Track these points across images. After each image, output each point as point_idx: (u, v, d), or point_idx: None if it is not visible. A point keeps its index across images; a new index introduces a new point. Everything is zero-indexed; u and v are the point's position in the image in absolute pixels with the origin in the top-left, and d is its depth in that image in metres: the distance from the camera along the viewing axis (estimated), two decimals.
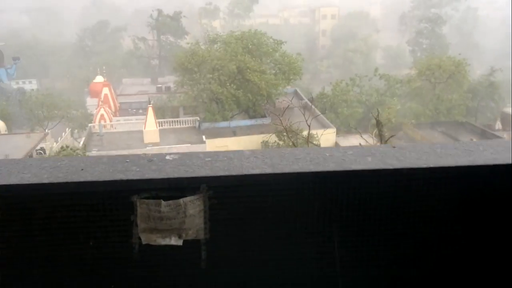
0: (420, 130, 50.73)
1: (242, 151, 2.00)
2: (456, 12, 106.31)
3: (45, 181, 1.71)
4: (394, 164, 1.83)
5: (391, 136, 36.79)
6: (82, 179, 1.72)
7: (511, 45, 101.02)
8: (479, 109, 59.66)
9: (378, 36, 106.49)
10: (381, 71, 67.58)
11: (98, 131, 47.99)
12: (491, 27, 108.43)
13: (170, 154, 1.95)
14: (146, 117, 45.07)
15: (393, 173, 1.80)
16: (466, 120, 54.83)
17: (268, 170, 1.79)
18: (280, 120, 38.13)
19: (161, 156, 1.92)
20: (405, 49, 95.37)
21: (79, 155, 31.93)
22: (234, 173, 1.78)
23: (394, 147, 2.03)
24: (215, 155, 1.93)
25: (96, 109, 53.74)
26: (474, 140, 47.96)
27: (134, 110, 61.32)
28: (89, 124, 49.50)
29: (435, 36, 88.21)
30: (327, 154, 1.93)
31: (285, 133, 41.87)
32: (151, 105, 45.87)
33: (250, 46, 54.61)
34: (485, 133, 51.03)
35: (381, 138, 35.27)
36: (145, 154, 1.96)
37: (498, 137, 49.82)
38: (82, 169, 1.80)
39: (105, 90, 55.03)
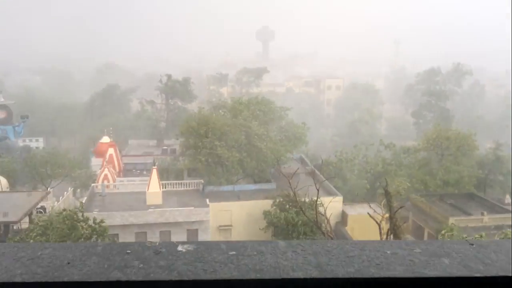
0: (429, 202, 49.66)
1: (275, 242, 1.70)
2: (459, 88, 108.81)
3: (17, 279, 1.28)
4: (481, 271, 1.38)
5: (400, 207, 36.02)
6: (66, 279, 1.31)
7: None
8: (488, 182, 58.91)
9: (382, 108, 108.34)
10: (385, 141, 67.90)
11: (101, 191, 47.26)
12: (494, 102, 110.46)
13: (183, 243, 1.69)
14: (150, 178, 44.50)
15: (480, 282, 1.34)
16: (475, 193, 53.91)
17: (314, 273, 1.39)
18: (290, 182, 37.62)
19: (171, 247, 1.64)
20: (409, 121, 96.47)
21: (77, 217, 31.10)
22: (268, 275, 1.39)
23: (472, 244, 1.68)
24: (242, 247, 1.64)
25: (100, 169, 53.38)
26: (485, 213, 46.80)
27: (139, 171, 60.97)
28: (92, 184, 48.88)
29: (439, 109, 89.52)
30: (388, 252, 1.53)
31: (288, 201, 41.11)
32: (155, 167, 45.47)
33: (258, 112, 55.30)
34: (495, 207, 49.86)
35: (390, 208, 34.39)
36: (150, 242, 1.72)
37: (508, 211, 48.66)
38: (68, 263, 1.42)
39: (111, 151, 55.02)
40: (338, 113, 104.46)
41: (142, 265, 1.46)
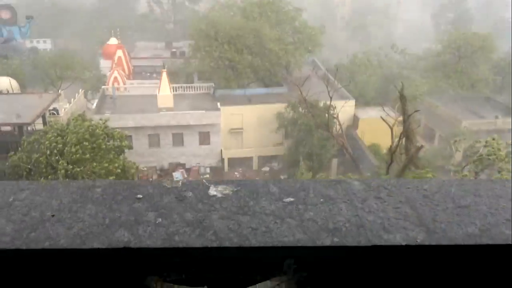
0: (443, 105, 49.01)
1: (347, 181, 1.18)
2: None
3: None
4: None
5: (416, 111, 35.56)
6: (48, 244, 0.87)
7: None
8: (504, 86, 57.53)
9: (398, 8, 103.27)
10: (400, 43, 65.46)
11: (111, 93, 47.09)
12: None
13: (216, 184, 1.10)
14: (160, 81, 43.97)
15: None
16: (491, 97, 52.92)
17: (421, 234, 0.96)
18: (300, 90, 37.05)
19: (201, 189, 1.07)
20: (427, 22, 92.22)
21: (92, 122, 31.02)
22: (351, 239, 0.93)
23: None
24: (300, 189, 1.06)
25: (109, 71, 52.74)
26: (499, 116, 46.31)
27: (148, 74, 60.18)
28: (103, 87, 48.60)
29: (460, 9, 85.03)
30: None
31: (300, 104, 40.76)
32: (165, 70, 44.68)
33: (269, 14, 52.86)
34: (510, 111, 49.14)
35: (404, 112, 33.95)
36: (170, 181, 1.15)
37: None
38: (52, 215, 0.95)
39: (119, 53, 53.85)
40: (353, 15, 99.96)
41: (160, 219, 0.99)
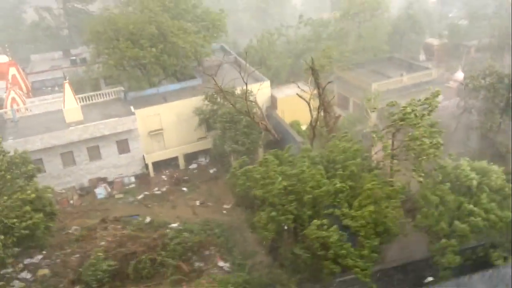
0: (351, 71, 50.51)
1: None
2: None
3: None
4: None
5: (329, 83, 36.16)
6: None
7: None
8: (403, 42, 60.57)
9: None
10: (303, 16, 66.46)
11: (11, 116, 43.21)
12: None
13: None
14: (64, 94, 40.94)
15: None
16: (392, 55, 55.37)
17: None
18: (214, 80, 36.20)
19: None
20: None
21: None
22: None
23: None
24: None
25: (5, 92, 48.30)
26: (404, 73, 48.61)
27: (50, 88, 56.05)
28: (0, 111, 44.40)
29: None
30: None
31: (217, 94, 39.97)
32: (67, 81, 41.66)
33: (168, 4, 50.88)
34: (412, 66, 51.87)
35: (318, 86, 34.43)
36: None
37: (424, 68, 50.91)
38: None
39: (12, 71, 49.34)
40: None
41: None
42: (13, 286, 28.19)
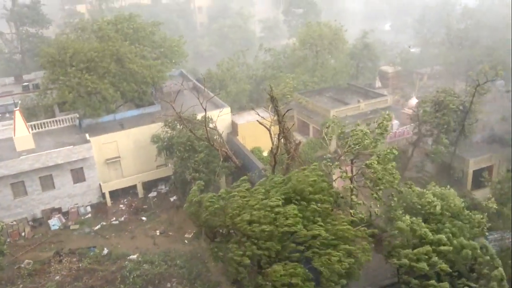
0: (311, 98, 51.37)
1: None
2: None
3: None
4: None
5: (288, 110, 36.41)
6: None
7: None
8: (359, 70, 62.39)
9: (254, 9, 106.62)
10: (261, 42, 67.54)
11: None
12: None
13: None
14: (14, 122, 39.20)
15: None
16: (350, 83, 56.82)
17: None
18: (173, 106, 35.64)
19: None
20: (282, 20, 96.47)
21: None
22: None
23: None
24: None
25: None
26: (361, 100, 49.90)
27: (0, 115, 53.61)
28: None
29: (307, 4, 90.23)
30: None
31: (177, 121, 39.36)
32: (17, 108, 40.00)
33: (126, 31, 50.33)
34: (368, 92, 53.39)
35: (277, 113, 34.58)
36: None
37: (380, 94, 52.51)
38: None
39: None
40: (210, 21, 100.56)
41: None
42: None
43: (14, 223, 37.42)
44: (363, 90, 54.36)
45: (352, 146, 30.07)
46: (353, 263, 23.52)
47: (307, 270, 23.00)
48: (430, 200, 26.62)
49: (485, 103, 42.84)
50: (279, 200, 24.46)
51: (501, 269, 24.52)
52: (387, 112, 34.12)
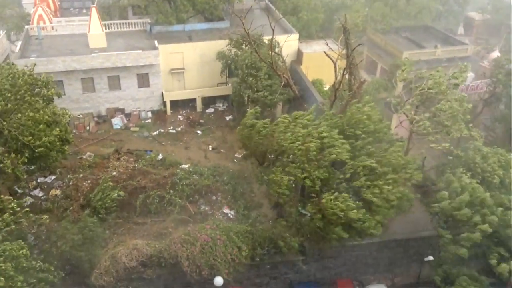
0: (385, 35, 48.78)
1: None
2: None
3: None
4: None
5: (359, 45, 34.96)
6: None
7: None
8: (443, 13, 57.95)
9: None
10: None
11: (37, 33, 42.95)
12: None
13: None
14: (90, 18, 40.34)
15: None
16: (431, 25, 53.12)
17: None
18: (243, 22, 35.14)
19: None
20: None
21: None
22: None
23: None
24: None
25: (33, 8, 47.80)
26: (439, 46, 46.88)
27: (77, 10, 55.38)
28: (26, 26, 44.08)
29: None
30: None
31: (243, 40, 38.96)
32: (94, 5, 40.93)
33: None
34: (448, 38, 49.91)
35: (347, 46, 33.31)
36: None
37: (461, 42, 48.99)
38: None
39: None
40: None
41: None
42: (25, 201, 29.13)
43: (81, 116, 39.90)
44: (443, 34, 50.76)
45: (427, 89, 29.12)
46: (403, 194, 23.84)
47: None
48: (493, 167, 25.64)
49: None
50: (328, 129, 24.66)
51: None
52: (465, 63, 32.16)
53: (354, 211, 22.63)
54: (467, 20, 61.93)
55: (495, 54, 48.45)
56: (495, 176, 25.46)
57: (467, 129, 28.43)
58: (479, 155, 27.00)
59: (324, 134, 24.23)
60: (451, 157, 28.15)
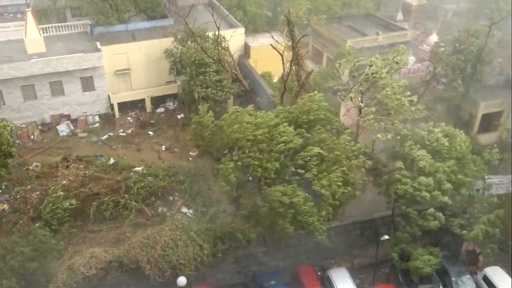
0: (328, 26, 49.72)
1: None
2: None
3: None
4: None
5: (303, 36, 35.46)
6: None
7: None
8: (383, 0, 59.79)
9: None
10: None
11: None
12: None
13: None
14: (26, 23, 38.59)
15: None
16: (371, 13, 54.64)
17: None
18: (186, 21, 34.77)
19: None
20: None
21: None
22: None
23: None
24: None
25: None
26: (380, 32, 48.32)
27: (11, 15, 52.64)
28: None
29: None
30: None
31: (188, 37, 38.53)
32: (29, 9, 39.18)
33: None
34: (388, 25, 51.52)
35: (292, 38, 33.72)
36: None
37: (400, 28, 50.69)
38: None
39: None
40: None
41: None
42: None
43: (24, 125, 38.22)
44: (383, 21, 52.38)
45: (369, 75, 29.97)
46: (352, 184, 24.45)
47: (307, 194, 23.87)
48: (438, 137, 26.92)
49: (504, 46, 41.38)
50: (277, 119, 25.04)
51: (491, 215, 25.30)
52: (402, 46, 33.35)
53: (300, 198, 22.94)
54: (405, 6, 64.22)
55: (433, 37, 50.51)
56: (443, 143, 26.76)
57: (411, 110, 29.45)
58: (425, 130, 28.27)
59: (273, 123, 24.55)
60: (399, 137, 29.20)
